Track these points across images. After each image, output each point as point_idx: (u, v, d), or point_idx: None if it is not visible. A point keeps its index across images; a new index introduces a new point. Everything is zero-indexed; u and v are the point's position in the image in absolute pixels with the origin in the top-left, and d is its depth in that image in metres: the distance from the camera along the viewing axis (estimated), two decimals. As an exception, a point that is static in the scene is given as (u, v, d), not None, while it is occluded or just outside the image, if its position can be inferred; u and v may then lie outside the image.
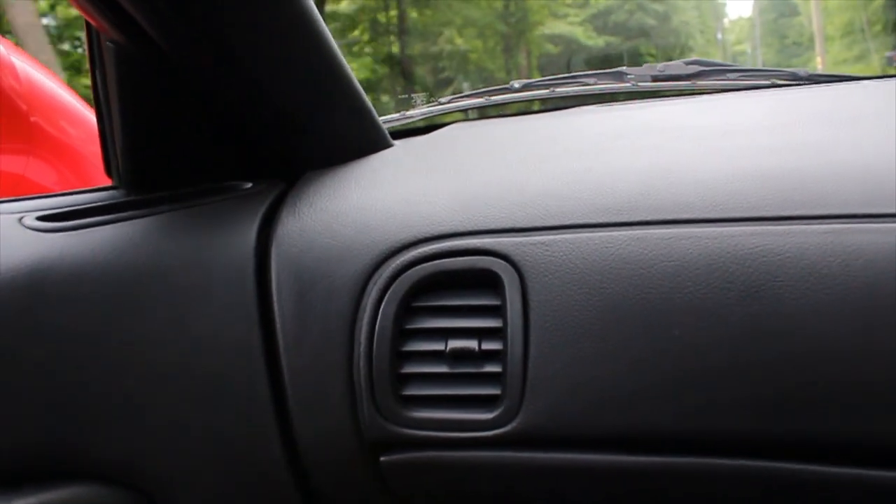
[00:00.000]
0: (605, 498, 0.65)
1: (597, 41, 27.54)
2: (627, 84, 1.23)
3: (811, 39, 39.49)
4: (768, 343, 0.59)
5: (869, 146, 0.69)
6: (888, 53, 21.25)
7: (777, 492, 0.60)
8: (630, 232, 0.64)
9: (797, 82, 1.16)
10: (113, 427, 0.72)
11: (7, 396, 0.70)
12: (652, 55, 31.03)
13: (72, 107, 1.33)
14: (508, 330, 0.65)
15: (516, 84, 1.28)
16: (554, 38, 26.89)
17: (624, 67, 1.25)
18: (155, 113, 0.79)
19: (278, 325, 0.71)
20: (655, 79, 1.23)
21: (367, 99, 0.87)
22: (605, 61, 30.88)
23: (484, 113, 1.30)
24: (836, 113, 0.84)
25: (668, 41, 30.82)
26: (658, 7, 28.76)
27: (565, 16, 27.63)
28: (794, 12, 47.43)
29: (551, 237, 0.66)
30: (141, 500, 0.74)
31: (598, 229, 0.65)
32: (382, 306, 0.68)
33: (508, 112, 1.27)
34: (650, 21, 28.68)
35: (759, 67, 1.35)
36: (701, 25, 40.92)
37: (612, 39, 28.22)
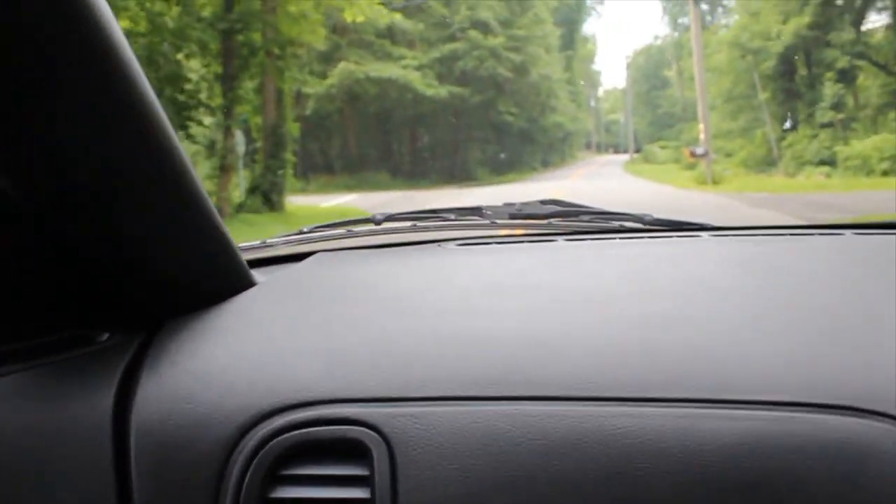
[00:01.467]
0: None
1: (437, 90, 22.46)
2: (486, 221, 1.28)
3: (685, 109, 38.14)
4: None
5: (721, 326, 0.73)
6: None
7: None
8: (499, 407, 0.65)
9: (642, 227, 1.24)
10: None
11: None
12: (511, 113, 26.35)
13: None
14: (377, 502, 0.64)
15: (378, 216, 1.32)
16: (383, 83, 21.48)
17: (483, 206, 1.32)
18: (11, 260, 0.73)
19: (137, 496, 0.68)
20: (512, 216, 1.29)
21: (228, 232, 0.82)
22: (444, 113, 26.11)
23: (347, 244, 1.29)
24: (686, 282, 0.87)
25: (525, 97, 26.14)
26: (514, 56, 23.94)
27: (400, 58, 22.30)
28: (666, 84, 48.16)
29: (421, 409, 0.66)
30: None
31: (468, 403, 0.66)
32: (248, 477, 0.66)
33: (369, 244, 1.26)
34: (504, 72, 23.78)
35: (609, 210, 1.31)
36: (569, 86, 37.14)
37: (457, 90, 23.21)
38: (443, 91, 22.48)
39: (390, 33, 22.58)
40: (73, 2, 0.58)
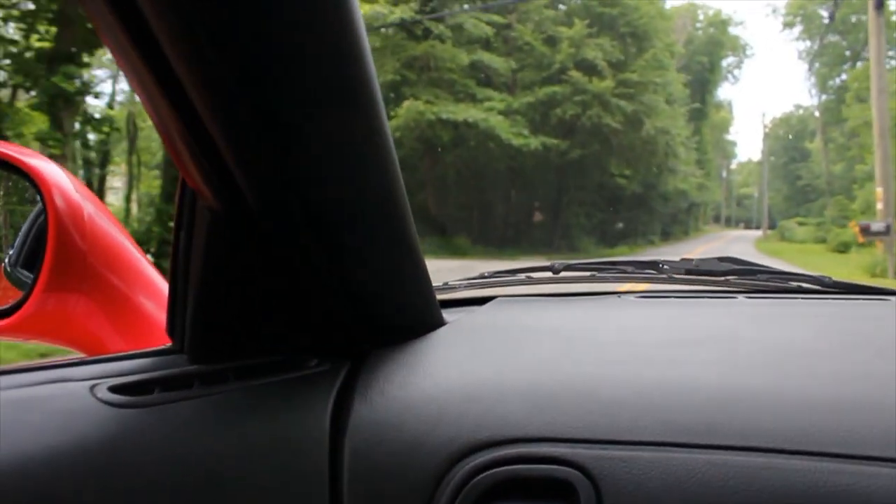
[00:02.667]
0: None
1: (528, 140, 18.63)
2: (663, 276, 1.30)
3: (830, 182, 33.27)
4: None
5: None
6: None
7: None
8: (710, 456, 0.64)
9: (823, 289, 1.24)
10: None
11: None
12: (624, 176, 22.12)
13: (128, 255, 1.23)
14: None
15: (557, 265, 1.36)
16: (459, 127, 17.84)
17: (661, 259, 1.34)
18: (236, 283, 0.81)
19: None
20: (689, 272, 1.29)
21: (427, 271, 0.89)
22: (542, 170, 21.21)
23: (526, 291, 1.32)
24: (883, 340, 0.86)
25: (638, 155, 21.81)
26: (626, 105, 19.80)
27: (486, 100, 18.66)
28: (806, 157, 43.74)
29: (630, 453, 0.66)
30: None
31: (678, 450, 0.65)
32: None
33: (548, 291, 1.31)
34: (612, 122, 19.64)
35: (786, 270, 1.33)
36: (697, 152, 32.61)
37: (553, 141, 19.29)
38: (535, 142, 18.63)
39: (473, 70, 19.08)
40: (345, 36, 0.65)
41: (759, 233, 42.13)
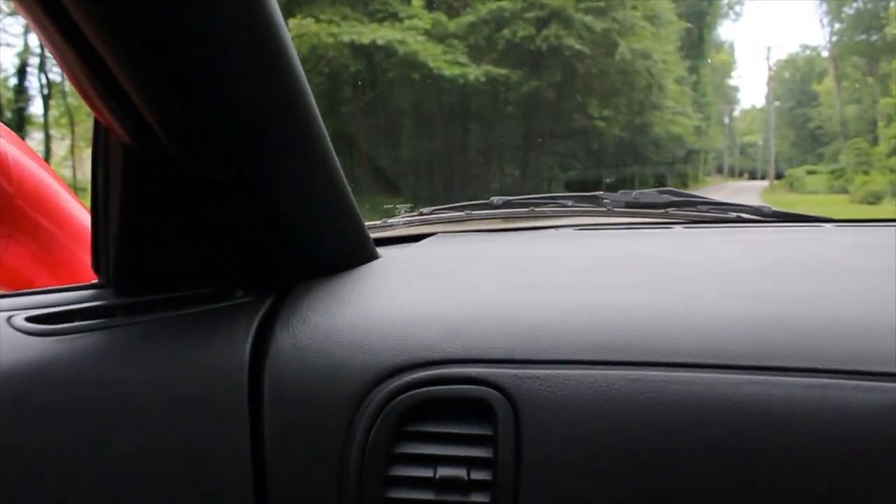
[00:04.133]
0: None
1: (466, 70, 14.50)
2: (603, 209, 1.30)
3: (845, 125, 30.16)
4: (753, 494, 0.62)
5: (850, 300, 0.74)
6: None
7: None
8: (625, 372, 0.67)
9: (762, 219, 1.25)
10: None
11: None
12: (604, 119, 17.96)
13: (57, 196, 1.28)
14: (499, 462, 0.67)
15: (496, 200, 1.36)
16: (368, 52, 13.74)
17: (601, 192, 1.33)
18: (155, 216, 0.81)
19: (268, 442, 0.72)
20: (629, 205, 1.30)
21: (356, 205, 0.89)
22: (497, 109, 17.14)
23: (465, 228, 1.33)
24: (811, 261, 0.89)
25: (611, 85, 17.56)
26: (592, 22, 15.55)
27: (404, 19, 14.46)
28: (814, 100, 40.62)
29: (547, 372, 0.68)
30: None
31: (594, 367, 0.68)
32: (373, 430, 0.69)
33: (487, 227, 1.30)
34: (574, 44, 15.39)
35: (726, 201, 1.32)
36: (695, 93, 28.66)
37: (500, 72, 15.14)
38: (475, 72, 14.58)
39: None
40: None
41: (764, 183, 38.97)
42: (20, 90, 14.64)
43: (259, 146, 0.75)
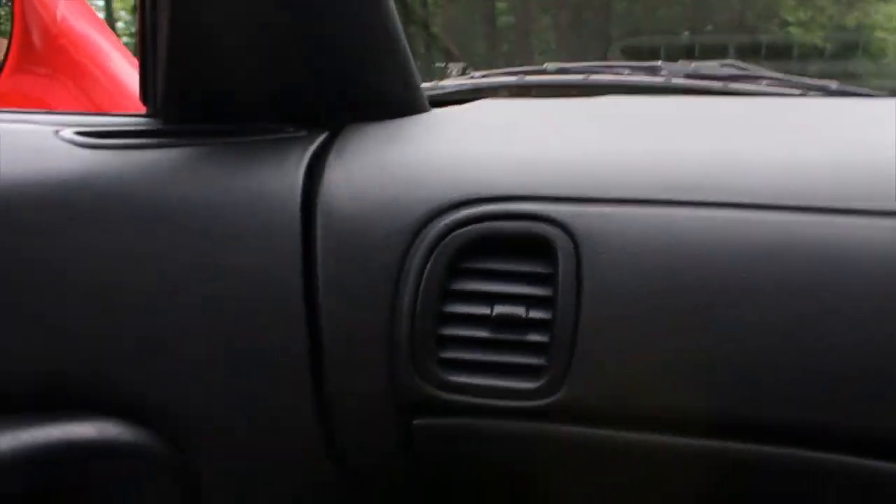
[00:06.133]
0: (641, 478, 0.67)
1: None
2: (660, 79, 1.20)
3: None
4: (825, 337, 0.60)
5: None
6: None
7: (817, 482, 0.63)
8: (692, 211, 0.64)
9: (829, 94, 1.14)
10: (136, 360, 0.73)
11: (28, 318, 0.71)
12: (798, 23, 15.92)
13: (100, 36, 1.30)
14: (559, 300, 0.64)
15: (551, 66, 1.25)
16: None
17: (659, 62, 1.24)
18: (205, 41, 0.79)
19: (320, 273, 0.71)
20: (688, 76, 1.19)
21: (412, 60, 0.87)
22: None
23: (517, 93, 1.25)
24: (877, 128, 0.81)
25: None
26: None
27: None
28: None
29: (611, 209, 0.66)
30: (157, 440, 0.74)
31: (660, 206, 0.65)
32: (429, 265, 0.68)
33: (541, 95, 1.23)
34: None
35: (791, 79, 1.18)
36: None
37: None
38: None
39: None
40: None
41: None
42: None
43: None
